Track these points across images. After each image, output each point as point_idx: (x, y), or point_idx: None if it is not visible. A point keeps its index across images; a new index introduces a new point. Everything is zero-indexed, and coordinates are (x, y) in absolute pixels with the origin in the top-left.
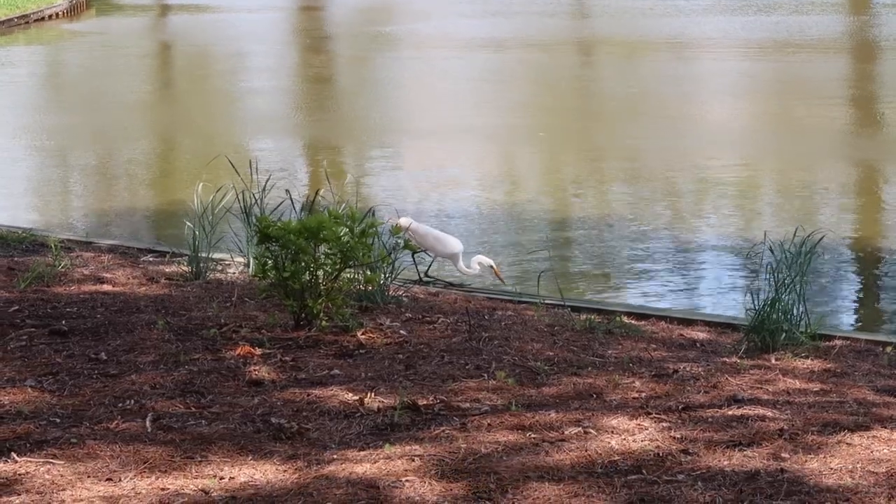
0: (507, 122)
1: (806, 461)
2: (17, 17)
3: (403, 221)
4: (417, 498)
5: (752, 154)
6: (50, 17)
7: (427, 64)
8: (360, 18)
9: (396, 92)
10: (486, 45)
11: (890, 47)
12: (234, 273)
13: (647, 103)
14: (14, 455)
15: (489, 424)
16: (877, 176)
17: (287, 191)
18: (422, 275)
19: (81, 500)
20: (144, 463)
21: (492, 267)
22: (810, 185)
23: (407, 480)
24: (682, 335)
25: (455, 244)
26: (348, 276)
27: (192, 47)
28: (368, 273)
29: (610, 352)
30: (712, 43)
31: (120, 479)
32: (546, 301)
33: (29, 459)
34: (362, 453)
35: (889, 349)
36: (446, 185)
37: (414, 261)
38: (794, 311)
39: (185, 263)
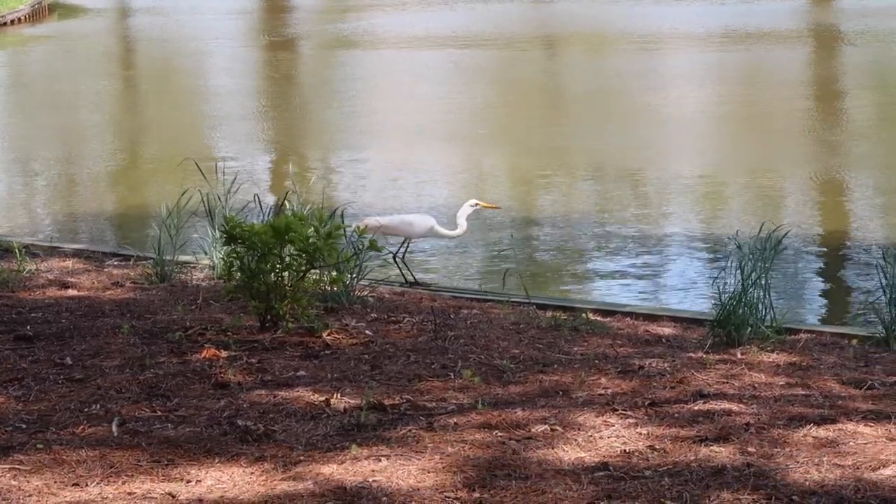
0: (465, 121)
1: (772, 455)
2: None
3: (370, 221)
4: (385, 498)
5: (717, 148)
6: (12, 22)
7: (387, 62)
8: (323, 18)
9: (357, 91)
10: (443, 40)
11: (855, 36)
12: (199, 276)
13: (607, 99)
14: None
15: (456, 423)
16: (842, 170)
17: (256, 195)
18: (409, 278)
19: None
20: (111, 467)
21: (478, 204)
22: (776, 179)
23: (374, 481)
24: (647, 331)
25: (425, 219)
26: (314, 276)
27: (154, 49)
28: (335, 274)
29: (576, 349)
30: (671, 33)
31: (87, 484)
32: (512, 299)
33: None
34: (329, 454)
35: (854, 342)
36: (410, 185)
37: (397, 264)
38: (760, 306)
39: (150, 267)
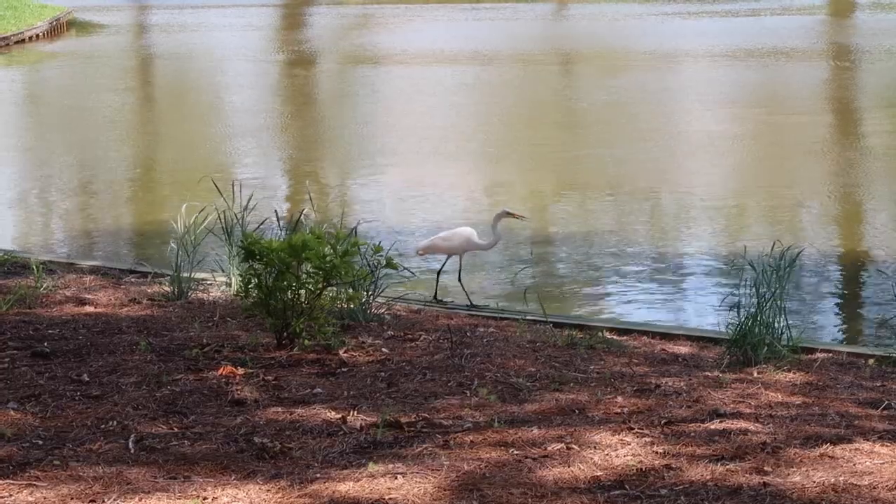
0: (480, 138)
1: (789, 475)
2: None
3: (421, 245)
4: None
5: (732, 166)
6: (30, 38)
7: (400, 78)
8: (336, 35)
9: (371, 108)
10: (455, 57)
11: (869, 53)
12: (215, 293)
13: (621, 116)
14: None
15: (472, 441)
16: (856, 188)
17: (275, 211)
18: (471, 301)
19: None
20: (127, 484)
21: (508, 213)
22: (791, 197)
23: (390, 499)
24: (663, 350)
25: (462, 231)
26: (331, 294)
27: (171, 65)
28: (351, 291)
29: (592, 367)
30: (683, 51)
31: (103, 501)
32: (528, 317)
33: (11, 482)
34: (345, 472)
35: (871, 361)
36: (428, 203)
37: (461, 285)
38: (776, 325)
39: (167, 284)
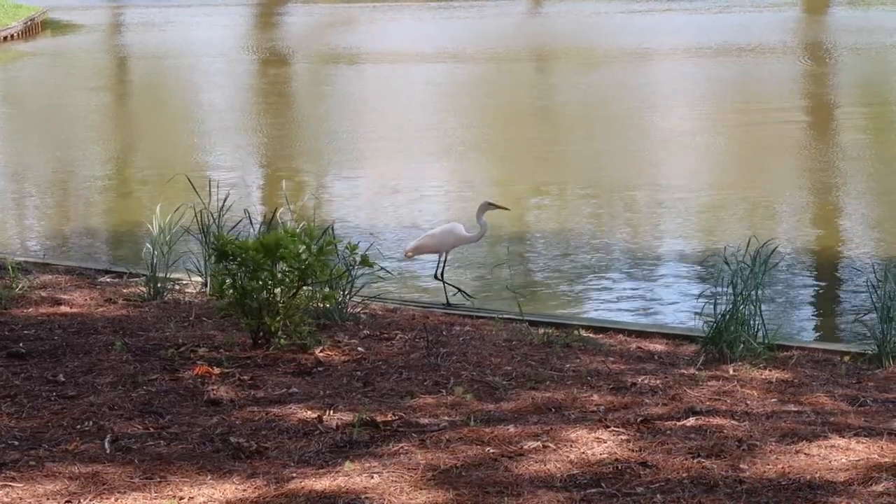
0: (453, 136)
1: (764, 472)
2: None
3: (409, 247)
4: None
5: (709, 165)
6: (5, 38)
7: (376, 77)
8: (311, 33)
9: (346, 108)
10: (430, 56)
11: (845, 51)
12: (191, 293)
13: (595, 113)
14: None
15: (448, 440)
16: (832, 186)
17: (246, 210)
18: (448, 299)
19: None
20: (104, 484)
21: (491, 204)
22: (767, 195)
23: (366, 497)
24: (639, 348)
25: (448, 227)
26: (306, 293)
27: (146, 65)
28: (327, 290)
29: (568, 365)
30: (658, 47)
31: (79, 501)
32: (504, 316)
33: None
34: (322, 471)
35: (847, 358)
36: (403, 201)
37: (443, 283)
38: (752, 322)
39: (143, 284)
